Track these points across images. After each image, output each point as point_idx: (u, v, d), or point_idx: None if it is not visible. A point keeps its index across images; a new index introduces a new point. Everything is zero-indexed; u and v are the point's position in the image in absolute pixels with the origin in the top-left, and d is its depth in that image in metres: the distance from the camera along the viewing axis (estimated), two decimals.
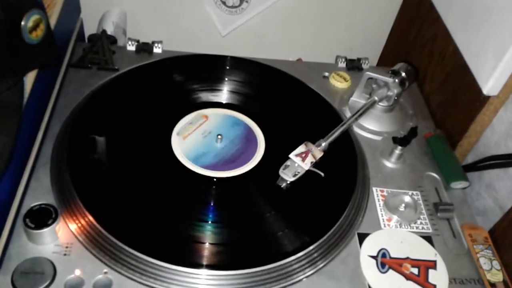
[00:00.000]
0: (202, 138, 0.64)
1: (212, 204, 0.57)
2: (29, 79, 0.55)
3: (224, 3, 0.90)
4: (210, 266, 0.49)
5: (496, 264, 0.55)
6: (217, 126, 0.66)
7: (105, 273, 0.48)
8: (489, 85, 0.63)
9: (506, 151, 0.63)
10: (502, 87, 0.63)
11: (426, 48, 0.81)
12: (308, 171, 0.59)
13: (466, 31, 0.69)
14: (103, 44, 0.74)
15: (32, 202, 0.52)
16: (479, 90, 0.65)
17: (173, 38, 0.86)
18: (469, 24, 0.68)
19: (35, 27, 0.48)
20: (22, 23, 0.47)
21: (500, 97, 0.64)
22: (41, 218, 0.49)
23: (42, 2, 0.52)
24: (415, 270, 0.53)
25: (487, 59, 0.63)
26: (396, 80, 0.69)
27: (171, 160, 0.61)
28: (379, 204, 0.60)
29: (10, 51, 0.46)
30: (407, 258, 0.54)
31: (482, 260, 0.55)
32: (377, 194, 0.61)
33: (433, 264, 0.54)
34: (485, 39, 0.64)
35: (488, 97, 0.64)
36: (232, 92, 0.72)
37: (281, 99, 0.72)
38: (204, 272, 0.49)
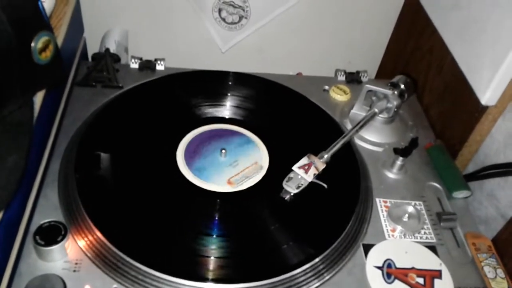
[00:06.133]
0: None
1: (217, 218, 0.57)
2: (38, 98, 0.56)
3: (223, 19, 0.91)
4: (217, 280, 0.50)
5: (500, 272, 0.55)
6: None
7: None
8: (487, 96, 0.64)
9: (506, 160, 0.64)
10: (500, 97, 0.64)
11: (424, 60, 0.82)
12: (311, 183, 0.60)
13: (462, 44, 0.71)
14: (107, 63, 0.75)
15: (40, 219, 0.52)
16: (477, 101, 0.66)
17: (173, 55, 0.87)
18: (465, 37, 0.70)
19: (44, 48, 0.49)
20: (32, 44, 0.48)
21: (498, 107, 0.65)
22: (51, 235, 0.49)
23: (51, 24, 0.53)
24: (420, 280, 0.53)
25: (483, 70, 0.65)
26: (395, 92, 0.70)
27: (177, 175, 0.61)
28: (383, 215, 0.60)
29: (20, 71, 0.47)
30: (413, 268, 0.54)
31: (486, 269, 0.55)
32: (381, 205, 0.62)
33: (438, 274, 0.54)
34: (481, 51, 0.66)
35: (487, 107, 0.65)
36: (234, 107, 0.73)
37: (283, 112, 0.73)
38: (211, 286, 0.49)
